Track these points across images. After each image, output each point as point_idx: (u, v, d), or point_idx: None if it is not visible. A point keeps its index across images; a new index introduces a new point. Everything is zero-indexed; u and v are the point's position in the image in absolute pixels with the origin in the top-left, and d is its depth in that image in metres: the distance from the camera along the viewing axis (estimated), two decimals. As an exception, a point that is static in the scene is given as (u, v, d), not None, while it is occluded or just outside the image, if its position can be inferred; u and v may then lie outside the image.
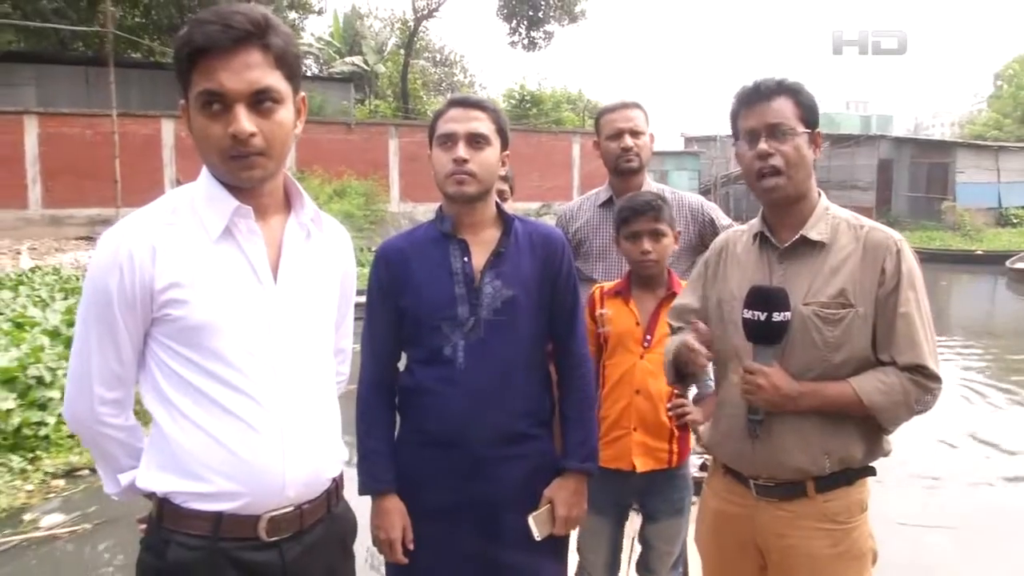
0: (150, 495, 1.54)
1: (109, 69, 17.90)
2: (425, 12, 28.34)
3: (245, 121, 1.42)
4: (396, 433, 2.12)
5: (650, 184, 2.90)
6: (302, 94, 1.56)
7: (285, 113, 1.48)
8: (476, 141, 2.01)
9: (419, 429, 2.07)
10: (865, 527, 1.94)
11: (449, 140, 2.02)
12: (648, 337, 2.42)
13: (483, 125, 2.03)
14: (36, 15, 20.73)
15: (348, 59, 28.68)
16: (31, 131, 18.66)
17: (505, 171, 2.20)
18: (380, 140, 22.36)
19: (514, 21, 28.27)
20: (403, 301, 2.04)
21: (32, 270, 12.96)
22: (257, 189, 1.52)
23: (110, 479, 1.63)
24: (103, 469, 1.64)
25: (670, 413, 2.36)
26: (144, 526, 1.58)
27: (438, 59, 36.78)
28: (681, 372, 2.07)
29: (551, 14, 28.02)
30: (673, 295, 2.40)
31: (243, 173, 1.47)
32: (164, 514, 1.51)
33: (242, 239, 1.51)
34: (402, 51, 31.34)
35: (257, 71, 1.42)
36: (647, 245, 2.40)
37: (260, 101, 1.44)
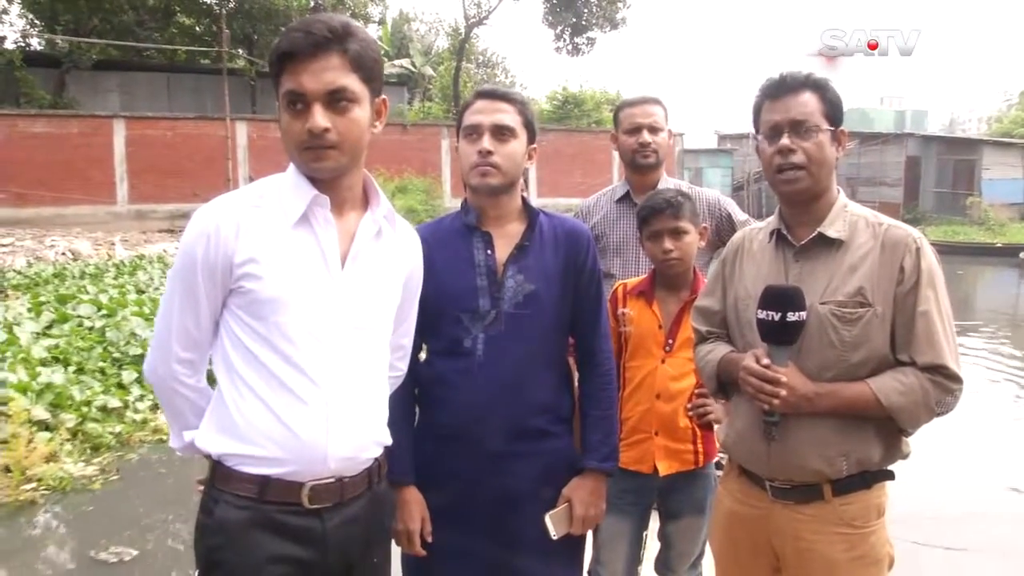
0: (208, 455, 1.55)
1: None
2: (476, 19, 28.16)
3: (320, 117, 1.45)
4: (415, 424, 1.99)
5: (666, 180, 2.72)
6: (383, 97, 1.56)
7: (359, 112, 1.50)
8: (502, 133, 1.88)
9: (436, 421, 1.95)
10: (882, 532, 1.77)
11: (474, 132, 1.90)
12: (670, 341, 2.23)
13: (509, 117, 1.89)
14: (121, 27, 21.21)
15: (397, 62, 28.56)
16: (119, 133, 19.14)
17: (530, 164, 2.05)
18: (433, 140, 22.38)
19: (559, 28, 27.97)
20: (424, 291, 1.89)
21: (139, 257, 13.72)
22: (335, 183, 1.53)
23: (176, 434, 1.64)
24: (171, 425, 1.65)
25: (690, 413, 2.19)
26: (202, 487, 1.58)
27: (480, 60, 36.59)
28: (724, 383, 1.89)
29: (594, 21, 27.65)
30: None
31: (315, 163, 1.49)
32: (217, 475, 1.52)
33: (317, 226, 1.52)
34: (450, 54, 31.21)
35: (333, 73, 1.46)
36: (668, 244, 2.21)
37: (336, 100, 1.46)
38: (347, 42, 1.46)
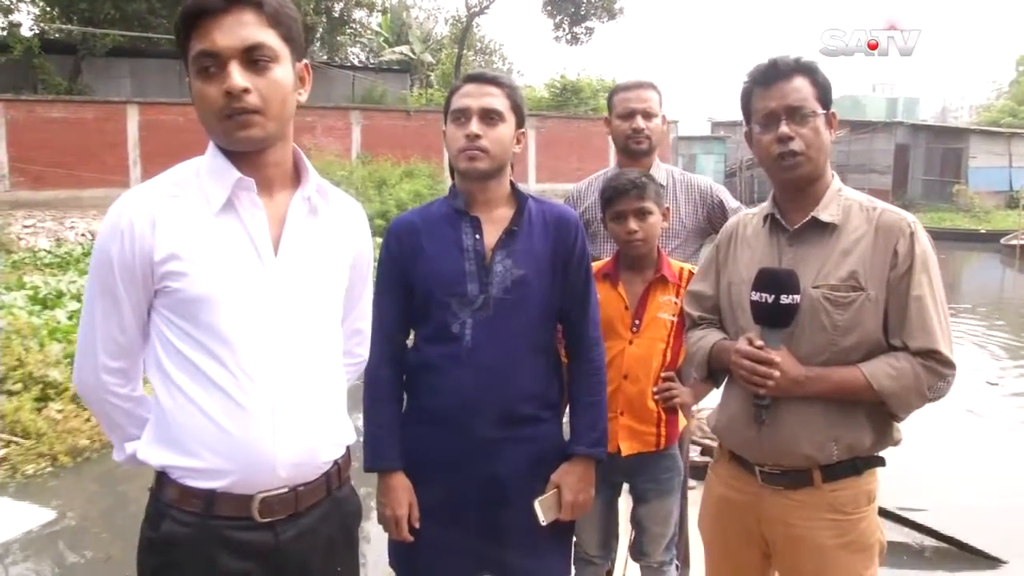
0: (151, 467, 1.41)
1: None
2: (477, 8, 27.82)
3: (237, 76, 1.26)
4: (403, 411, 1.91)
5: (659, 166, 2.60)
6: (305, 61, 1.38)
7: (281, 72, 1.31)
8: (490, 117, 1.78)
9: (424, 407, 1.86)
10: (873, 518, 1.70)
11: (463, 116, 1.80)
12: (636, 322, 2.14)
13: (497, 101, 1.79)
14: (133, 15, 21.02)
15: (396, 48, 28.16)
16: (133, 119, 19.00)
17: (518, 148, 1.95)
18: (435, 126, 22.19)
19: (558, 18, 27.66)
20: (413, 276, 1.82)
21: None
22: (260, 160, 1.35)
23: (118, 447, 1.48)
24: (112, 436, 1.49)
25: (657, 396, 2.11)
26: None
27: (479, 48, 36.12)
28: (715, 370, 1.82)
29: (592, 12, 27.35)
30: (662, 278, 2.14)
31: (239, 132, 1.29)
32: (162, 488, 1.37)
33: (244, 212, 1.34)
34: (450, 41, 30.85)
35: (249, 29, 1.27)
36: (632, 224, 2.11)
37: (255, 59, 1.28)
38: None
